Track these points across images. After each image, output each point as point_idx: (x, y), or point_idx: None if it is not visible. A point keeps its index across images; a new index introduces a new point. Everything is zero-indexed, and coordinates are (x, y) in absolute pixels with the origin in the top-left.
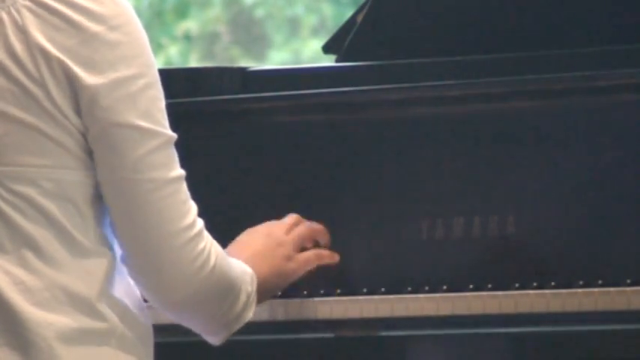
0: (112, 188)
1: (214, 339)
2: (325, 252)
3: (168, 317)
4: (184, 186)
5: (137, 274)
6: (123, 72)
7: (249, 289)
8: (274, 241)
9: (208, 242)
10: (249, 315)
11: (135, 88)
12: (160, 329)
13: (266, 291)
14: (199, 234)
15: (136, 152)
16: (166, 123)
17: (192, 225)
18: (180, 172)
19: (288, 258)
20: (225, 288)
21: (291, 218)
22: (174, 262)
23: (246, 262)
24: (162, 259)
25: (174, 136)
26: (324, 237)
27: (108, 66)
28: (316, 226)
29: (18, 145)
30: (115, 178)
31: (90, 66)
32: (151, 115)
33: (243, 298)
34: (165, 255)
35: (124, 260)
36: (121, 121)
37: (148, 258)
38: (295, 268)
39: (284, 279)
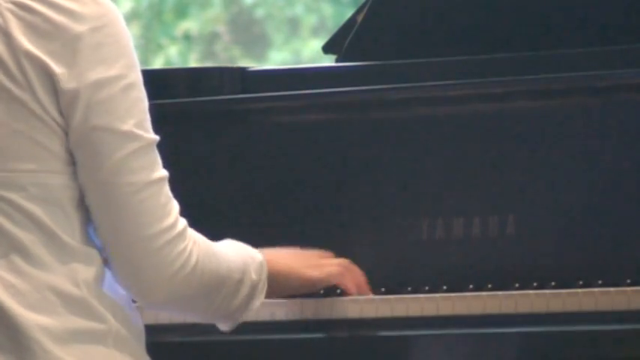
0: (92, 190)
1: (221, 327)
2: (352, 274)
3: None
4: (165, 188)
5: (118, 275)
6: (104, 73)
7: (255, 277)
8: (303, 253)
9: (190, 242)
10: (257, 303)
11: (116, 90)
12: (159, 329)
13: (277, 287)
14: (180, 235)
15: (115, 155)
16: (148, 125)
17: (171, 226)
18: (161, 174)
19: (311, 266)
20: (212, 284)
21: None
22: (153, 265)
23: (262, 252)
24: (141, 261)
25: (156, 138)
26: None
27: (90, 68)
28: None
29: (4, 150)
30: (94, 181)
31: (71, 68)
32: (132, 118)
33: (245, 289)
34: (144, 257)
35: (106, 262)
36: (100, 124)
37: (126, 260)
38: (316, 276)
39: (301, 283)
